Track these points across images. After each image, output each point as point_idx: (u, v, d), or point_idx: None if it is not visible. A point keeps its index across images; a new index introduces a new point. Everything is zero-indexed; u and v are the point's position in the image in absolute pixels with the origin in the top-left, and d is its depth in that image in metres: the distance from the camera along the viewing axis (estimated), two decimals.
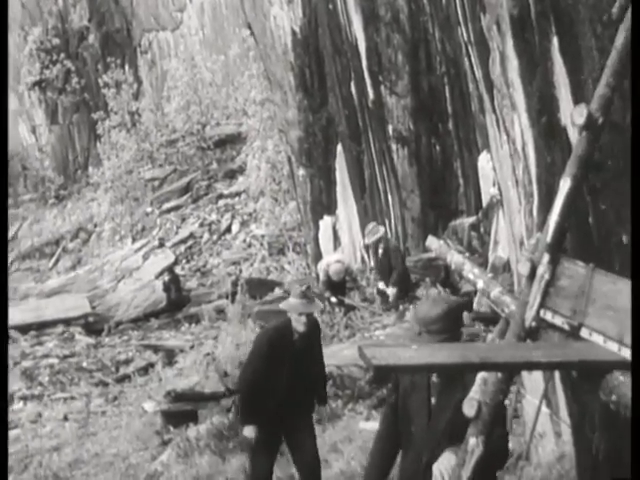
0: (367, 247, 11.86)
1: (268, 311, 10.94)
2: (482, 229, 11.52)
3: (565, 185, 2.88)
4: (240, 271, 16.14)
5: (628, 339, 2.60)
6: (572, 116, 2.83)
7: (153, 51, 26.11)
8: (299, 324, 5.56)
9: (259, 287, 13.16)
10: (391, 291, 10.73)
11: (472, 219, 11.90)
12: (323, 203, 14.04)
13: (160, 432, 7.95)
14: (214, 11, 23.94)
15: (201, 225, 18.83)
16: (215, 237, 18.25)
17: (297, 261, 15.56)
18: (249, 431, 5.63)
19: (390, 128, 12.39)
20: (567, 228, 3.13)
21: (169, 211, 20.21)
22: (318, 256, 13.68)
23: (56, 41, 25.61)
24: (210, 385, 8.38)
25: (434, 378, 3.48)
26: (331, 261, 11.30)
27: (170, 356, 11.09)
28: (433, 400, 3.54)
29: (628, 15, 3.12)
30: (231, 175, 20.37)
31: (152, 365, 10.81)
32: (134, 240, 18.74)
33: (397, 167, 12.37)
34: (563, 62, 4.43)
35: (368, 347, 2.52)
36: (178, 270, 16.22)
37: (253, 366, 5.75)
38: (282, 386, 5.57)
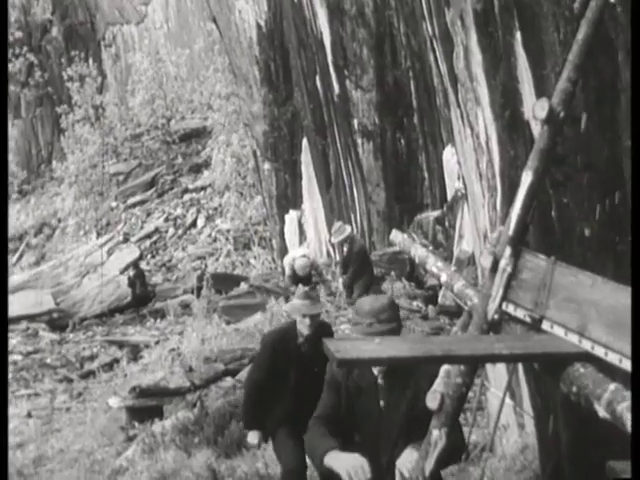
0: (334, 244, 11.89)
1: (234, 306, 10.93)
2: (447, 223, 11.56)
3: (527, 179, 2.89)
4: (205, 266, 16.10)
5: (588, 331, 2.63)
6: (534, 110, 2.84)
7: (117, 45, 25.95)
8: (304, 327, 5.32)
9: (225, 282, 13.13)
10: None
11: (437, 213, 11.95)
12: (288, 197, 14.04)
13: (125, 428, 7.91)
14: (179, 4, 23.81)
15: (166, 220, 18.74)
16: (180, 232, 18.18)
17: (263, 255, 15.55)
18: (252, 437, 5.46)
19: (355, 122, 12.40)
20: (529, 221, 3.15)
21: (134, 206, 20.10)
22: (284, 250, 13.69)
23: (19, 34, 25.34)
24: (175, 380, 8.35)
25: (380, 380, 3.51)
26: (296, 255, 11.31)
27: (135, 351, 11.04)
28: (382, 402, 3.58)
29: (590, 9, 3.14)
30: (196, 169, 20.30)
31: (117, 361, 10.76)
32: (99, 235, 18.62)
33: (362, 161, 12.39)
34: (526, 56, 4.45)
35: (332, 341, 2.52)
36: (143, 265, 16.15)
37: (257, 370, 5.53)
38: (288, 391, 5.37)
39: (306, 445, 3.91)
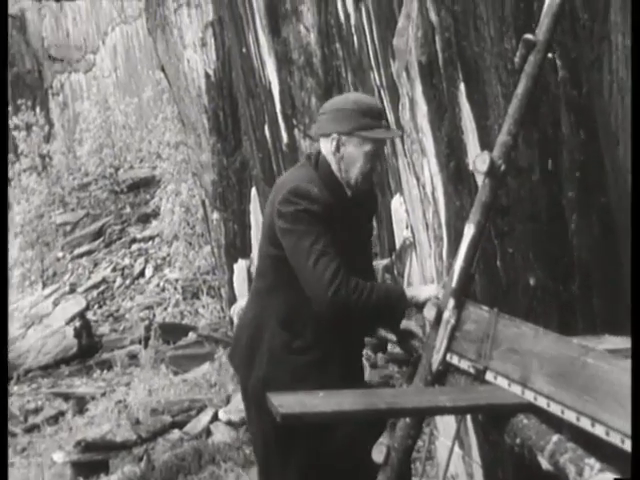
0: None
1: (181, 356, 10.83)
2: (396, 271, 11.60)
3: (469, 232, 2.93)
4: (153, 315, 15.94)
5: (531, 382, 2.64)
6: (475, 163, 2.88)
7: (65, 93, 25.86)
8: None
9: (172, 331, 13.02)
10: None
11: (386, 261, 11.98)
12: (237, 246, 14.00)
13: None
14: (127, 53, 23.81)
15: (114, 270, 18.56)
16: (128, 281, 18.00)
17: (211, 304, 15.45)
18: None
19: None
20: (473, 273, 3.18)
21: (81, 256, 19.88)
22: (232, 299, 13.61)
23: None
24: (122, 433, 8.22)
25: None
26: (244, 304, 11.25)
27: (81, 404, 10.85)
28: None
29: (529, 63, 3.20)
30: (145, 219, 20.18)
31: (62, 414, 10.56)
32: (44, 286, 18.36)
33: None
34: (470, 108, 4.52)
35: (274, 395, 2.51)
36: (90, 315, 15.95)
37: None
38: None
39: (373, 310, 3.58)
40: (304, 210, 3.57)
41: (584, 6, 4.05)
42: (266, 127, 13.30)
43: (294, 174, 3.89)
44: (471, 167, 3.64)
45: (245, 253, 13.98)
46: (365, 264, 4.02)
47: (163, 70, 15.38)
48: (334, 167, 3.80)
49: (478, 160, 2.89)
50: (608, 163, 4.04)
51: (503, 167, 2.92)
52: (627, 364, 2.37)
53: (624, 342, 3.14)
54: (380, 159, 3.96)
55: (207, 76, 13.96)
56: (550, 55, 3.87)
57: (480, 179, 3.20)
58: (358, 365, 4.08)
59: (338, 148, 3.77)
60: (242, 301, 12.25)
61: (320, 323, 3.67)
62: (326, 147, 3.82)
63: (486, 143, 4.39)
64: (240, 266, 13.98)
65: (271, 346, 3.78)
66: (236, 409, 7.93)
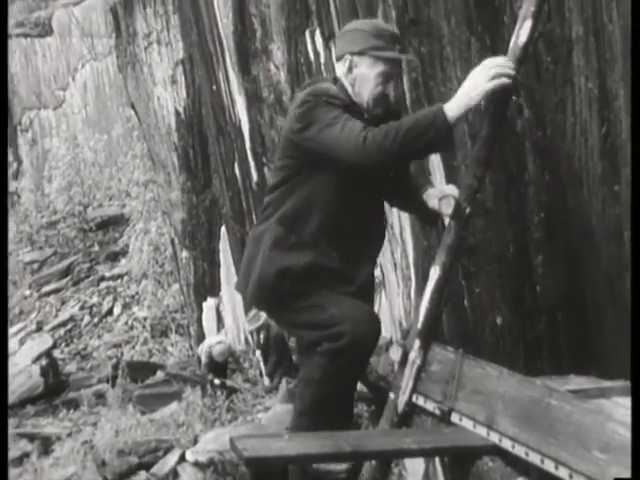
0: (251, 332, 11.80)
1: (149, 395, 10.71)
2: None
3: (434, 273, 2.94)
4: (121, 354, 15.79)
5: (496, 424, 2.64)
6: (440, 206, 2.90)
7: (34, 130, 25.74)
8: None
9: (140, 370, 12.86)
10: (266, 380, 10.63)
11: None
12: (206, 285, 13.95)
13: None
14: (97, 90, 23.76)
15: (82, 308, 18.40)
16: (96, 320, 17.86)
17: (180, 343, 15.35)
18: None
19: None
20: (440, 313, 3.19)
21: (48, 294, 19.70)
22: (201, 338, 13.53)
23: None
24: (87, 476, 8.07)
25: None
26: (213, 342, 11.18)
27: (46, 444, 10.65)
28: None
29: (493, 106, 3.23)
30: (113, 257, 20.05)
31: (27, 455, 10.37)
32: (11, 324, 18.16)
33: None
34: None
35: (239, 438, 2.49)
36: (57, 354, 15.76)
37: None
38: None
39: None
40: (324, 102, 3.57)
41: (547, 50, 4.12)
42: (236, 165, 13.29)
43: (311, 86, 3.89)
44: (437, 209, 3.68)
45: (214, 291, 13.91)
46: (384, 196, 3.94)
47: (133, 107, 15.37)
48: (349, 90, 3.78)
49: (444, 203, 2.92)
50: (572, 204, 4.08)
51: (468, 210, 2.94)
52: (590, 406, 2.38)
53: (589, 382, 3.16)
54: (392, 83, 3.92)
55: (177, 113, 13.96)
56: (515, 97, 3.92)
57: (446, 220, 3.23)
58: (360, 280, 3.78)
59: (350, 69, 3.76)
60: (211, 339, 12.18)
61: (322, 225, 3.66)
62: (340, 70, 3.82)
63: (453, 183, 4.42)
64: (209, 304, 13.90)
65: (267, 244, 3.74)
66: (204, 450, 7.83)
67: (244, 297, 4.11)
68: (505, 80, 3.14)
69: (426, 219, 3.95)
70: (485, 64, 3.22)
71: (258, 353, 11.66)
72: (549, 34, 4.09)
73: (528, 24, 3.18)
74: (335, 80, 3.85)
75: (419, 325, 2.94)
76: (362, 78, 3.73)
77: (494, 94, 3.19)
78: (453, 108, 3.21)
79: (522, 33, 3.18)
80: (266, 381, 10.78)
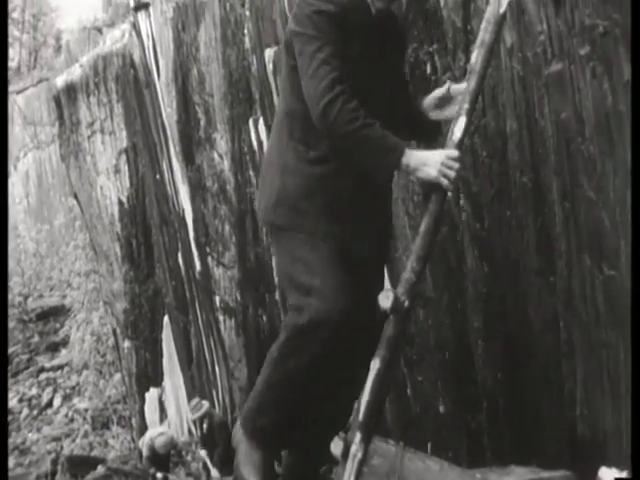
0: (194, 421, 11.66)
1: None
2: None
3: (375, 366, 2.96)
4: (61, 448, 15.45)
5: None
6: (379, 300, 2.94)
7: None
8: None
9: (80, 465, 12.58)
10: (214, 472, 10.49)
11: None
12: (149, 375, 13.79)
13: None
14: (39, 179, 23.64)
15: (20, 400, 18.00)
16: (35, 412, 17.47)
17: (122, 435, 15.08)
18: None
19: (217, 299, 12.42)
20: (381, 406, 3.20)
21: None
22: (143, 429, 13.32)
23: None
24: None
25: None
26: (154, 434, 11.02)
27: None
28: None
29: (432, 201, 3.29)
30: (54, 348, 19.73)
31: None
32: None
33: (224, 338, 12.34)
34: None
35: None
36: None
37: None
38: None
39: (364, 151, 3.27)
40: (317, 11, 3.36)
41: (483, 143, 4.24)
42: (179, 255, 13.28)
43: None
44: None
45: (157, 382, 13.75)
46: (382, 105, 3.57)
47: (76, 197, 15.34)
48: None
49: (382, 297, 2.95)
50: (509, 294, 4.15)
51: (407, 303, 2.98)
52: None
53: (529, 473, 3.19)
54: None
55: (120, 203, 13.95)
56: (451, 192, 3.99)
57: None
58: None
59: None
60: (152, 431, 11.98)
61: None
62: None
63: (395, 275, 4.49)
64: (152, 395, 13.72)
65: (285, 159, 3.54)
66: None
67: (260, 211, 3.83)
68: (445, 182, 3.20)
69: (426, 134, 3.87)
70: (437, 159, 3.25)
71: (202, 452, 11.51)
72: (484, 128, 4.21)
73: (462, 121, 3.28)
74: None
75: (360, 418, 2.95)
76: None
77: (433, 188, 3.25)
78: (410, 159, 3.24)
79: (457, 130, 3.27)
80: (214, 473, 10.59)
